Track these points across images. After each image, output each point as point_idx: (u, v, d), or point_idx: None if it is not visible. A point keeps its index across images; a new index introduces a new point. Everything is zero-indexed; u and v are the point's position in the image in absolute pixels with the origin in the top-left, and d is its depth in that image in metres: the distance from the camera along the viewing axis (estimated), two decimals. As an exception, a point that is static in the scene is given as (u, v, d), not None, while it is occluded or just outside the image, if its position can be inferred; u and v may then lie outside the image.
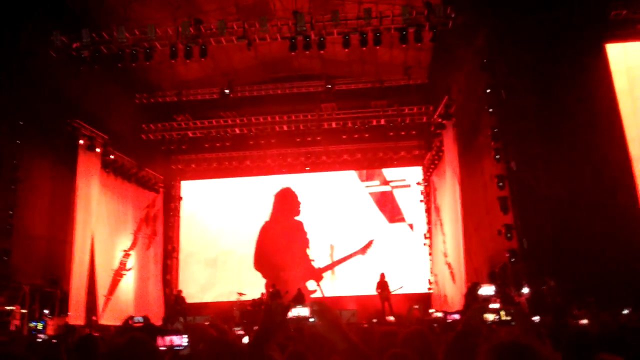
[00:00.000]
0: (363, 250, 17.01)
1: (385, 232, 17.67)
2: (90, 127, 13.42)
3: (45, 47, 11.57)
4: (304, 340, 3.16)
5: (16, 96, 11.01)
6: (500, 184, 10.74)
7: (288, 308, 1.82)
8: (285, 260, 16.47)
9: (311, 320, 1.79)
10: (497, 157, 10.90)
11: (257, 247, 17.26)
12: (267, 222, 17.46)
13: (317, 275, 16.84)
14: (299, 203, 17.48)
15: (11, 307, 10.69)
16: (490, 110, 11.00)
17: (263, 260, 17.05)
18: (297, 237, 17.12)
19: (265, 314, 1.89)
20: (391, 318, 12.27)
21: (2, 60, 10.81)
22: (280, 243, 16.83)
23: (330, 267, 17.20)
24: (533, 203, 10.01)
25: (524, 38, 10.20)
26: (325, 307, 1.81)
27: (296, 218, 17.49)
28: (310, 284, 16.64)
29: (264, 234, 17.37)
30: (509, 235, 10.45)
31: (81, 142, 13.19)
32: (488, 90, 10.97)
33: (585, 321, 3.64)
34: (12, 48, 10.95)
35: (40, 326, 10.84)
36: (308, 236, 17.26)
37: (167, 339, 1.87)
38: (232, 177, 18.41)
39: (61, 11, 11.91)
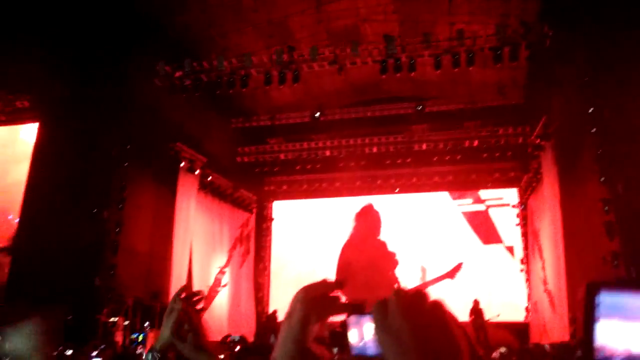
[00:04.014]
0: (451, 274, 16.26)
1: (479, 254, 16.99)
2: (191, 150, 14.17)
3: (150, 76, 12.45)
4: None
5: (125, 123, 11.90)
6: (606, 208, 10.07)
7: None
8: (368, 282, 16.22)
9: None
10: (602, 179, 10.25)
11: (338, 268, 17.05)
12: (347, 242, 17.27)
13: None
14: (380, 221, 17.13)
15: (115, 319, 11.42)
16: (594, 130, 10.38)
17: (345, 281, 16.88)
18: (381, 257, 16.78)
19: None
20: None
21: (113, 91, 11.74)
22: (363, 264, 16.55)
23: None
24: (642, 228, 9.28)
25: (628, 53, 9.56)
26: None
27: (379, 238, 17.20)
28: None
29: (345, 255, 17.15)
30: (615, 263, 9.74)
31: (182, 164, 13.94)
32: (591, 109, 10.37)
33: None
34: (122, 79, 11.87)
35: (140, 338, 11.47)
36: (396, 257, 16.89)
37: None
38: (322, 198, 18.63)
39: (165, 43, 12.79)
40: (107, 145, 11.74)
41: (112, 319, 11.27)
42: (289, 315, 1.12)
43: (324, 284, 1.18)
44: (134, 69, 12.19)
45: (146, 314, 12.34)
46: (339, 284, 1.20)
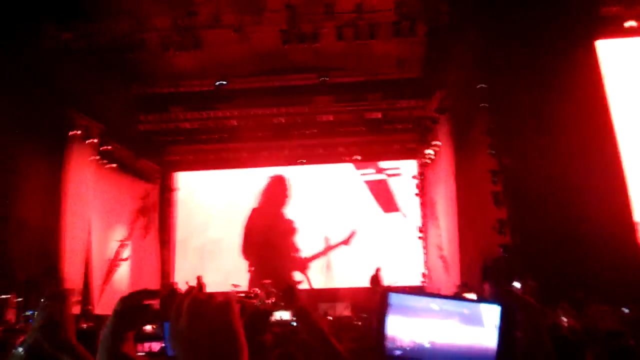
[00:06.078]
0: (346, 241, 16.98)
1: (380, 222, 17.70)
2: (86, 117, 13.41)
3: (39, 39, 11.54)
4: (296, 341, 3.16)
5: (13, 89, 11.00)
6: (494, 179, 10.81)
7: (270, 313, 1.84)
8: (273, 249, 16.28)
9: (293, 324, 1.82)
10: (492, 152, 10.95)
11: (245, 233, 16.99)
12: (256, 208, 17.23)
13: (302, 265, 16.69)
14: (288, 193, 17.23)
15: (6, 296, 10.78)
16: (485, 105, 11.02)
17: (250, 248, 16.79)
18: (284, 225, 16.92)
19: (247, 318, 1.90)
20: None
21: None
22: (268, 231, 16.58)
23: (314, 257, 17.08)
24: (526, 198, 10.07)
25: (518, 33, 10.18)
26: (306, 312, 1.83)
27: (283, 209, 17.27)
28: (298, 275, 16.59)
29: (253, 221, 17.10)
30: (502, 230, 10.53)
31: (77, 132, 13.20)
32: (482, 86, 10.98)
33: (564, 319, 3.67)
34: (7, 42, 10.91)
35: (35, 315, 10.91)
36: (295, 225, 17.07)
37: (147, 345, 1.89)
38: (228, 168, 18.43)
39: (55, 2, 11.85)
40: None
41: (3, 296, 10.65)
42: (105, 325, 1.21)
43: (140, 293, 1.26)
44: (21, 32, 11.22)
45: (41, 290, 11.79)
46: (155, 293, 1.28)
